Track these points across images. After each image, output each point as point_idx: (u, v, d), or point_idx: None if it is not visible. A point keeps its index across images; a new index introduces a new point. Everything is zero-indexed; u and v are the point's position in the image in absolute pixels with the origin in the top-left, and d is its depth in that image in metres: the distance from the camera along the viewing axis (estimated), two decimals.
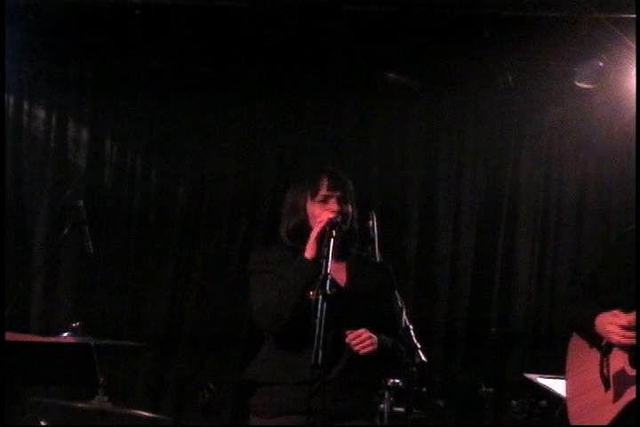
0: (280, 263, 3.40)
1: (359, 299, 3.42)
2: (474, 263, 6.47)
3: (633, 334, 3.12)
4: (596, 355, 3.27)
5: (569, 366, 3.40)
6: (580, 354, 3.35)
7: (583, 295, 3.39)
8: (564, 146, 6.55)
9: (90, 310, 6.28)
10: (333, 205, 3.41)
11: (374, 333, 3.32)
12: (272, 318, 3.34)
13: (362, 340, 3.28)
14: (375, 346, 3.29)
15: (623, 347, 3.16)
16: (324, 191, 3.45)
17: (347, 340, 3.28)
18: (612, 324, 3.16)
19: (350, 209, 3.46)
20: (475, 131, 6.60)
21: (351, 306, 3.37)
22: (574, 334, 3.42)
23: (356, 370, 3.35)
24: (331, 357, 3.25)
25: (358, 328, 3.30)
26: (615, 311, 3.18)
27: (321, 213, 3.39)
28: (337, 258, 3.46)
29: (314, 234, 3.33)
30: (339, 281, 3.44)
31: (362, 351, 3.28)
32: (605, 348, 3.22)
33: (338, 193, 3.44)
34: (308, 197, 3.46)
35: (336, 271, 3.43)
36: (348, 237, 3.48)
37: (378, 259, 3.62)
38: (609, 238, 6.23)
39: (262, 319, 3.38)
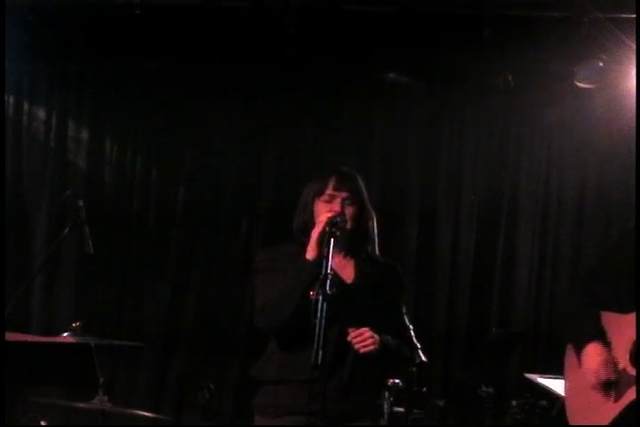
0: (288, 259, 3.39)
1: (365, 296, 3.40)
2: (474, 263, 6.48)
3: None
4: None
5: (567, 362, 3.39)
6: None
7: (582, 292, 3.38)
8: (564, 146, 6.55)
9: (90, 310, 6.29)
10: (336, 205, 3.41)
11: (378, 333, 3.32)
12: (270, 317, 3.34)
13: (363, 338, 3.27)
14: (376, 346, 3.28)
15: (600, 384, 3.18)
16: (329, 191, 3.44)
17: (348, 338, 3.27)
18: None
19: (354, 210, 3.44)
20: (475, 131, 6.60)
21: (356, 303, 3.36)
22: None
23: (361, 371, 3.34)
24: (335, 355, 3.26)
25: (362, 326, 3.30)
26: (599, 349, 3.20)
27: (322, 213, 3.39)
28: (345, 255, 3.48)
29: (314, 235, 3.32)
30: (345, 278, 3.43)
31: (362, 350, 3.26)
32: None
33: (343, 194, 3.43)
34: (315, 196, 3.46)
35: (343, 268, 3.45)
36: (355, 236, 3.47)
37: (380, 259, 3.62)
38: (609, 238, 6.23)
39: (260, 319, 3.38)
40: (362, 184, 3.52)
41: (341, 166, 3.63)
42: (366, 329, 3.28)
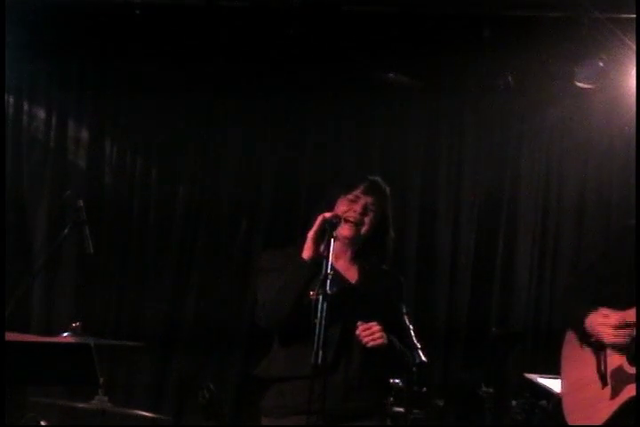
0: (289, 259, 3.40)
1: (368, 297, 3.43)
2: (474, 263, 6.48)
3: (625, 332, 3.12)
4: (592, 350, 3.27)
5: (564, 360, 3.39)
6: (576, 348, 3.34)
7: (580, 287, 3.38)
8: (564, 146, 6.55)
9: (90, 310, 6.29)
10: (358, 206, 3.44)
11: (386, 332, 3.32)
12: (269, 316, 3.36)
13: (372, 332, 3.28)
14: (384, 340, 3.29)
15: (615, 346, 3.16)
16: (357, 192, 3.48)
17: (357, 331, 3.28)
18: (603, 324, 3.16)
19: (374, 217, 3.47)
20: (475, 131, 6.60)
21: (360, 302, 3.38)
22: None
23: (365, 370, 3.34)
24: (338, 353, 3.27)
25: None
26: (605, 311, 3.19)
27: (345, 211, 3.40)
28: (351, 258, 3.52)
29: (310, 234, 3.33)
30: (349, 279, 3.47)
31: (370, 344, 3.27)
32: (598, 346, 3.23)
33: (369, 198, 3.47)
34: (342, 194, 3.48)
35: (347, 270, 3.48)
36: (367, 242, 3.50)
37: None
38: (609, 238, 6.23)
39: (260, 317, 3.40)
40: (389, 197, 3.58)
41: (377, 177, 3.65)
42: (375, 323, 3.29)
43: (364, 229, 3.45)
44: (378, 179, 3.60)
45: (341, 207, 3.43)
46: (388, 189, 3.58)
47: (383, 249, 3.58)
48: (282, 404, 3.36)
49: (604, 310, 3.19)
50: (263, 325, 3.41)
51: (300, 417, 3.25)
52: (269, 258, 3.53)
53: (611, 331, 3.15)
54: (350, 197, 3.47)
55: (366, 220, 3.45)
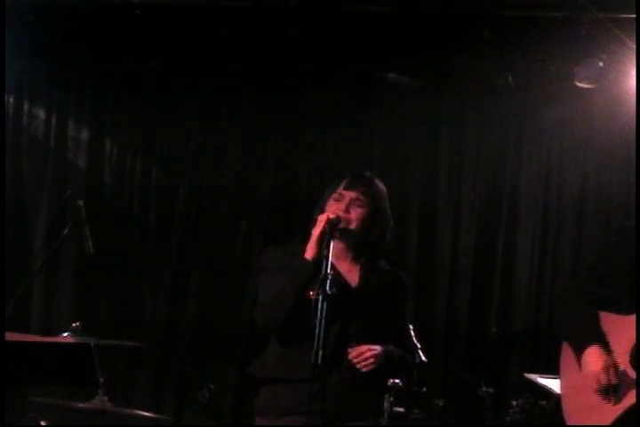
0: (291, 258, 3.39)
1: (369, 300, 3.41)
2: (474, 263, 6.48)
3: (610, 375, 3.12)
4: None
5: (564, 361, 3.37)
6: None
7: (580, 290, 3.37)
8: (564, 146, 6.54)
9: (90, 310, 6.29)
10: (342, 204, 3.42)
11: (381, 343, 3.32)
12: (269, 316, 3.35)
13: (365, 358, 3.29)
14: (377, 363, 3.30)
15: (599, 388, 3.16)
16: (340, 189, 3.46)
17: (349, 356, 3.29)
18: (593, 362, 3.17)
19: (363, 212, 3.43)
20: (475, 130, 6.60)
21: (360, 306, 3.38)
22: None
23: (362, 371, 3.33)
24: (335, 355, 3.26)
25: (363, 328, 3.31)
26: (601, 350, 3.18)
27: (330, 211, 3.39)
28: (352, 259, 3.49)
29: (314, 234, 3.32)
30: (350, 281, 3.44)
31: (364, 369, 3.29)
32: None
33: (352, 194, 3.43)
34: (329, 194, 3.48)
35: (348, 272, 3.46)
36: (362, 240, 3.47)
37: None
38: (609, 238, 6.22)
39: (260, 316, 3.39)
40: (379, 190, 3.52)
41: (365, 171, 3.62)
42: (367, 348, 3.30)
43: (352, 226, 3.41)
44: (363, 172, 3.57)
45: (330, 207, 3.42)
46: (377, 181, 3.54)
47: (382, 242, 3.54)
48: (275, 404, 3.36)
49: (601, 348, 3.18)
50: (262, 325, 3.40)
51: (295, 417, 3.27)
52: (270, 256, 3.52)
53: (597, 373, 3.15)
54: (335, 195, 3.45)
55: (352, 216, 3.41)
